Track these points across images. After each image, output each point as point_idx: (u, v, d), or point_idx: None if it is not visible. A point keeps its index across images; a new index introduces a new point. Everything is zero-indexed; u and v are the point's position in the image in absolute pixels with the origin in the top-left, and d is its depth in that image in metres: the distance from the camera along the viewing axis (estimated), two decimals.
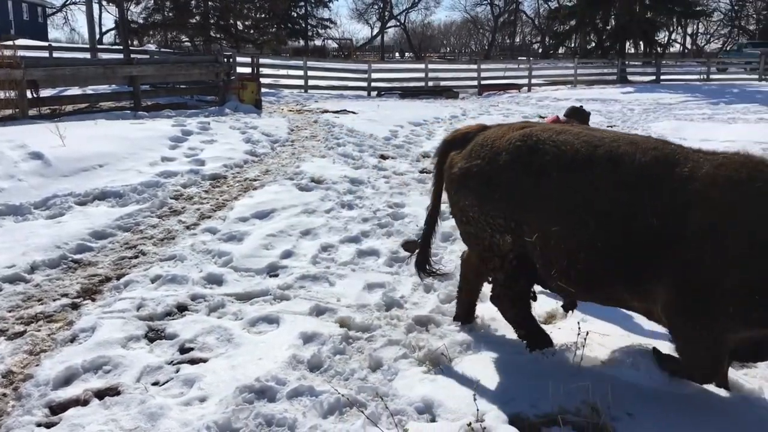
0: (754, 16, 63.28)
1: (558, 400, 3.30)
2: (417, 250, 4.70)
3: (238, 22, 38.46)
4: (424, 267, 4.68)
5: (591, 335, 4.11)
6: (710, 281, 3.13)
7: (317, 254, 6.09)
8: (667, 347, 3.83)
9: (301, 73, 25.67)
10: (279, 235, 6.56)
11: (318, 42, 58.48)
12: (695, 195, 3.19)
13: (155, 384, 3.72)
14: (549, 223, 3.63)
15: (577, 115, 6.01)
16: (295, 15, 53.70)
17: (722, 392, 3.66)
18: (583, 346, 3.90)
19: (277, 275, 5.57)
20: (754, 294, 3.04)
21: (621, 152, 3.49)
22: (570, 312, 4.39)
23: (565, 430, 3.10)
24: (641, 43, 39.55)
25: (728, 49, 57.36)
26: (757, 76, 33.27)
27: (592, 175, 3.51)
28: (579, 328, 3.96)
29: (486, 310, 4.85)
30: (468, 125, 4.46)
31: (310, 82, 25.66)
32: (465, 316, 4.66)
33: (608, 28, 39.18)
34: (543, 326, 4.52)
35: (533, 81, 29.40)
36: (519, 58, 53.99)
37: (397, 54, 76.43)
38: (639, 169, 3.39)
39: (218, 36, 36.74)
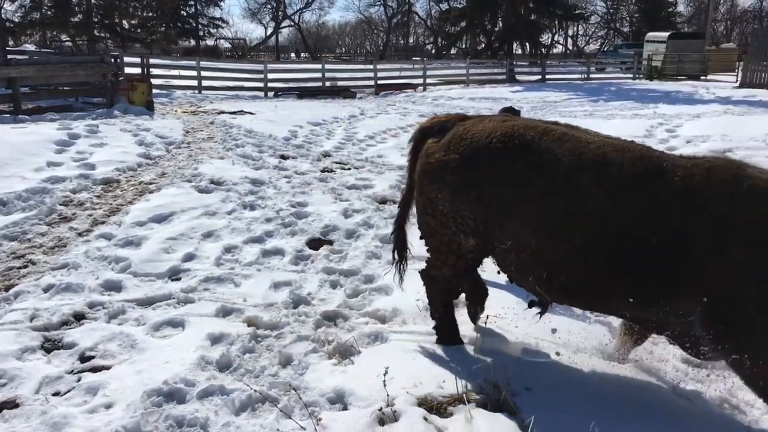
0: (628, 18, 67.90)
1: (463, 381, 3.47)
2: (393, 235, 4.51)
3: (124, 21, 36.88)
4: (402, 251, 4.46)
5: (492, 319, 4.34)
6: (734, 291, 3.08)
7: (221, 256, 6.02)
8: (559, 322, 4.12)
9: (194, 73, 24.97)
10: (179, 238, 6.42)
11: (210, 42, 57.01)
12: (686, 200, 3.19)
13: (56, 394, 3.57)
14: (529, 230, 3.50)
15: (512, 113, 6.04)
16: (185, 14, 52.02)
17: (615, 367, 3.99)
18: (485, 331, 4.12)
19: (179, 279, 5.47)
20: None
21: (610, 159, 3.38)
22: (542, 312, 3.96)
23: (470, 407, 3.27)
24: (527, 44, 41.45)
25: (605, 50, 61.30)
26: (631, 75, 35.73)
27: (580, 183, 3.37)
28: (481, 314, 4.18)
29: (391, 302, 5.00)
30: (446, 113, 4.38)
31: (204, 83, 25.02)
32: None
33: (496, 29, 40.77)
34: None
35: (428, 81, 30.10)
36: (413, 58, 55.12)
37: (292, 54, 75.88)
38: (630, 177, 3.31)
39: (103, 35, 35.07)
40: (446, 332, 4.23)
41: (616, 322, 4.42)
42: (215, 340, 4.25)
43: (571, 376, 3.79)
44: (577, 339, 4.28)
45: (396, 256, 4.47)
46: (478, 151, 3.70)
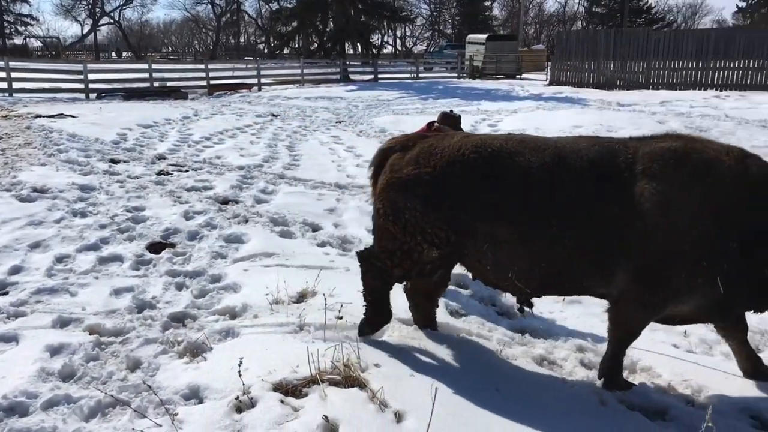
0: (450, 21, 71.97)
1: (315, 365, 3.65)
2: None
3: None
4: None
5: (345, 308, 4.56)
6: (668, 256, 3.47)
7: (52, 266, 5.68)
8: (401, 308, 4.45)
9: (2, 75, 22.75)
10: (3, 250, 5.96)
11: (18, 40, 52.02)
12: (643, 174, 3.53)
13: None
14: (507, 229, 3.73)
15: (449, 119, 6.19)
16: None
17: (450, 339, 4.39)
18: (338, 318, 4.33)
19: (6, 293, 5.10)
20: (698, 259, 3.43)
21: (568, 152, 3.72)
22: (528, 310, 4.10)
23: (323, 386, 3.46)
24: (359, 44, 42.51)
25: (432, 50, 64.50)
26: (456, 75, 37.98)
27: (548, 176, 3.66)
28: (326, 300, 4.37)
29: (241, 299, 5.05)
30: (404, 134, 4.58)
31: (15, 85, 22.87)
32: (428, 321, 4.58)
33: (328, 30, 41.36)
34: (296, 304, 4.89)
35: (263, 80, 29.86)
36: (246, 58, 54.24)
37: (113, 53, 71.39)
38: (590, 164, 3.62)
39: None
40: (376, 318, 4.33)
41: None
42: (55, 351, 4.06)
43: (414, 351, 4.11)
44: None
45: None
46: (453, 163, 3.89)
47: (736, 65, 25.21)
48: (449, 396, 3.45)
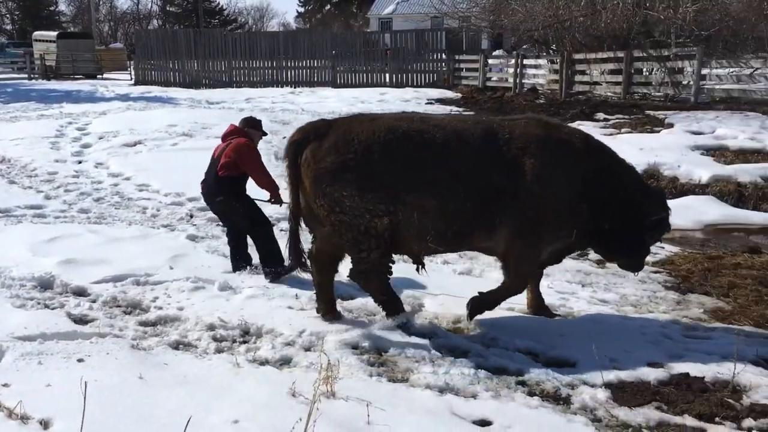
0: (9, 16, 63.53)
1: None
2: (289, 247, 4.90)
3: None
4: (300, 261, 4.95)
5: None
6: (539, 214, 4.46)
7: None
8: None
9: None
10: None
11: None
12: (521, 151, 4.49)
13: None
14: (428, 198, 4.42)
15: (251, 123, 6.50)
16: None
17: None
18: None
19: None
20: (562, 217, 4.53)
21: (462, 129, 4.58)
22: (422, 269, 4.91)
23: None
24: None
25: None
26: (26, 75, 34.08)
27: (453, 152, 4.45)
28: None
29: None
30: (308, 122, 4.80)
31: None
32: (332, 306, 4.98)
33: None
34: None
35: None
36: None
37: None
38: (480, 140, 4.52)
39: None
40: (394, 306, 4.80)
41: None
42: None
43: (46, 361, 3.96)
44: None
45: (293, 264, 5.06)
46: (372, 146, 4.37)
47: (304, 64, 28.53)
48: (98, 394, 3.48)
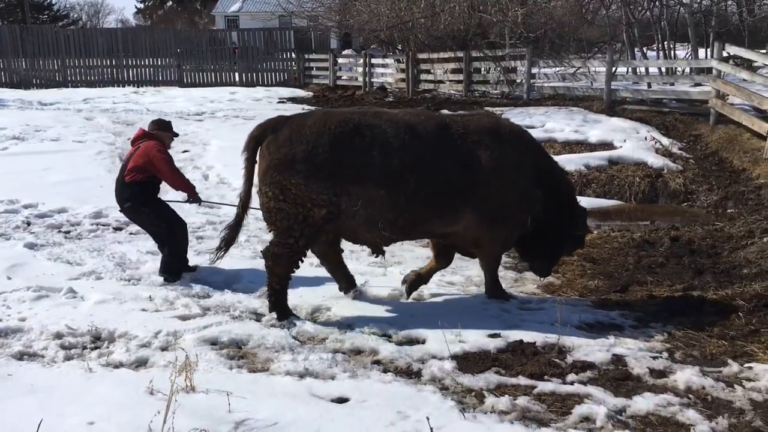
0: None
1: None
2: (228, 230, 5.21)
3: None
4: (230, 244, 5.26)
5: None
6: (500, 201, 4.97)
7: None
8: None
9: None
10: None
11: None
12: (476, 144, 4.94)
13: None
14: (376, 188, 4.70)
15: (161, 125, 6.34)
16: None
17: None
18: None
19: None
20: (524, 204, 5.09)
21: (415, 123, 4.90)
22: (380, 257, 5.48)
23: None
24: None
25: None
26: None
27: (405, 144, 4.75)
28: None
29: None
30: (270, 118, 5.09)
31: None
32: (352, 282, 5.49)
33: None
34: None
35: None
36: None
37: None
38: (434, 134, 4.89)
39: None
40: (281, 304, 4.96)
41: None
42: None
43: None
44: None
45: (223, 246, 5.23)
46: (321, 138, 4.64)
47: (147, 63, 27.24)
48: None
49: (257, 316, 5.05)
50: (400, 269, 6.43)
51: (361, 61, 22.84)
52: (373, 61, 22.51)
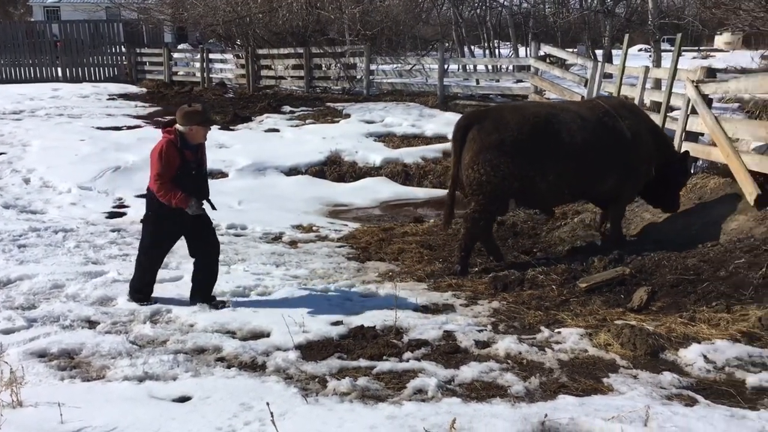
0: None
1: None
2: (448, 201, 6.46)
3: None
4: (450, 220, 6.71)
5: None
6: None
7: None
8: None
9: None
10: None
11: None
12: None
13: None
14: (560, 166, 6.09)
15: (196, 116, 5.07)
16: None
17: None
18: None
19: None
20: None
21: (581, 114, 6.40)
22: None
23: None
24: None
25: None
26: None
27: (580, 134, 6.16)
28: None
29: None
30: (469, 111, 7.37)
31: None
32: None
33: None
34: None
35: None
36: None
37: None
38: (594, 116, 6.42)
39: None
40: (465, 261, 6.34)
41: None
42: None
43: None
44: None
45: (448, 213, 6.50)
46: (523, 127, 6.01)
47: None
48: None
49: (90, 324, 4.82)
50: (243, 266, 6.43)
51: (199, 56, 22.16)
52: (212, 56, 21.95)
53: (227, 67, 21.91)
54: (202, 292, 5.34)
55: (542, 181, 6.12)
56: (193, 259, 5.41)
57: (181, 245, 5.49)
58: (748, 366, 3.93)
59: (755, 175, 6.41)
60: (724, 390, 3.66)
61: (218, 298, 5.37)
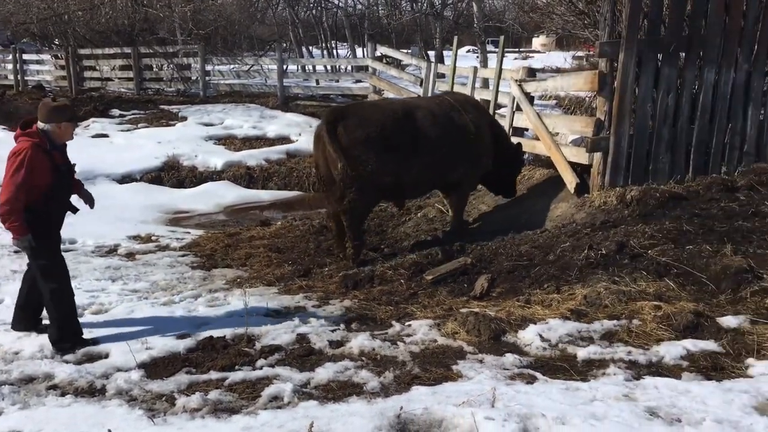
0: None
1: None
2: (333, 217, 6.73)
3: None
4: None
5: None
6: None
7: None
8: None
9: None
10: None
11: None
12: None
13: None
14: (421, 159, 6.48)
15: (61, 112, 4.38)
16: None
17: None
18: None
19: None
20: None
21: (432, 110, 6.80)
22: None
23: None
24: None
25: None
26: None
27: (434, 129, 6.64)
28: None
29: None
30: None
31: None
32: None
33: None
34: None
35: None
36: None
37: None
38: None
39: None
40: (359, 248, 6.65)
41: None
42: None
43: None
44: None
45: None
46: (385, 123, 6.34)
47: None
48: None
49: None
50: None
51: (11, 56, 20.11)
52: (26, 56, 20.04)
53: (45, 69, 20.12)
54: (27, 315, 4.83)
55: (407, 175, 6.44)
56: (15, 281, 4.87)
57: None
58: (578, 341, 4.27)
59: (574, 166, 7.04)
60: (559, 365, 3.95)
61: (45, 322, 4.88)
